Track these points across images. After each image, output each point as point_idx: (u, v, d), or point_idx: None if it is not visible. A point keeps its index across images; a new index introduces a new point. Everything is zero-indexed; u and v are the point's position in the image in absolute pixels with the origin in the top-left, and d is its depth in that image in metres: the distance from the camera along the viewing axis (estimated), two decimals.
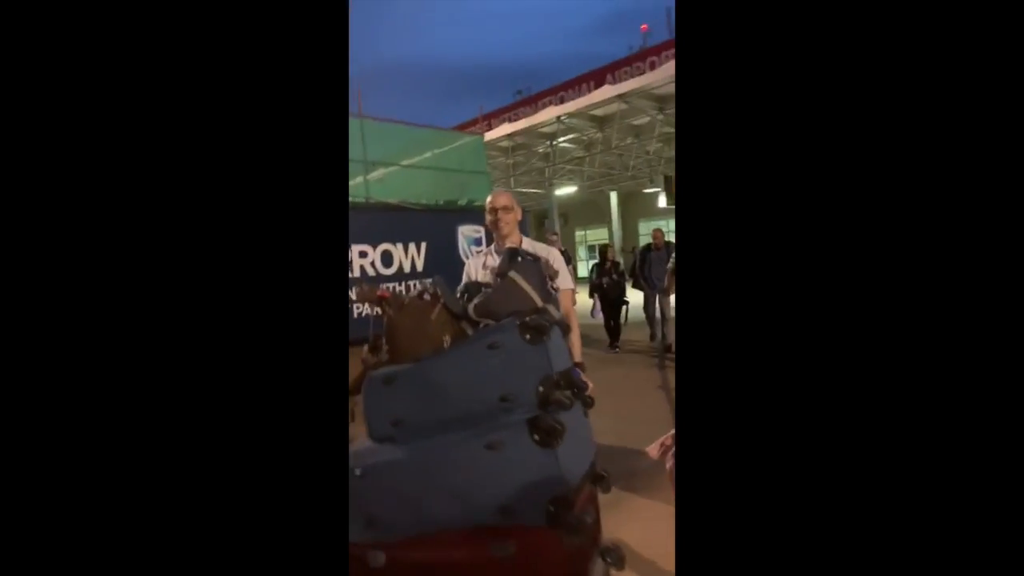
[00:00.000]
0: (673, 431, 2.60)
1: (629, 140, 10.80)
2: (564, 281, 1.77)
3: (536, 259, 1.46)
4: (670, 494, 2.50)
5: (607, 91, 9.12)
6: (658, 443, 2.64)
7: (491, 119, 11.65)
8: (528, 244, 1.87)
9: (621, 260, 6.93)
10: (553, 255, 1.80)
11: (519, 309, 1.30)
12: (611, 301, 6.13)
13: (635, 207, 17.79)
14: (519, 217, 1.90)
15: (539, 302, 1.35)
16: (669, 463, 2.52)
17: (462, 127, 11.95)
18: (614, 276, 6.15)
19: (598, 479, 1.31)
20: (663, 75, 8.43)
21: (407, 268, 4.80)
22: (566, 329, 1.38)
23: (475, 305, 1.34)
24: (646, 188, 15.32)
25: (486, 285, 1.44)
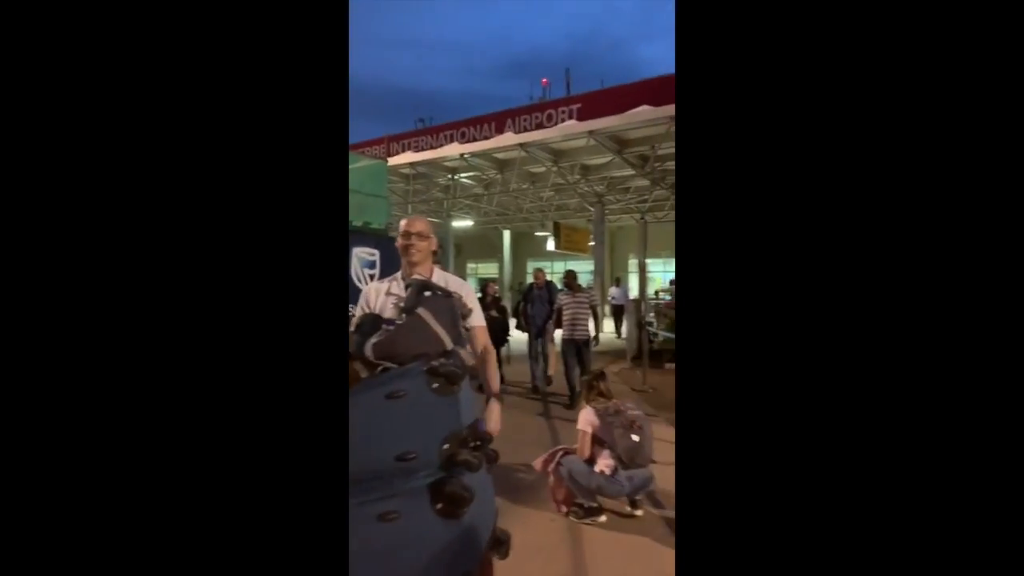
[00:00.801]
0: (556, 448, 2.69)
1: (525, 185, 11.54)
2: (477, 317, 1.69)
3: (448, 295, 1.32)
4: (551, 503, 2.62)
5: (510, 138, 9.75)
6: (541, 459, 2.69)
7: (390, 142, 11.73)
8: (440, 276, 1.70)
9: (507, 298, 6.68)
10: (466, 290, 1.68)
11: (426, 352, 1.14)
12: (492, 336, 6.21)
13: (526, 247, 18.70)
14: (434, 247, 1.73)
15: (449, 344, 1.19)
16: (551, 477, 2.57)
17: (361, 145, 11.83)
18: (493, 312, 5.78)
19: (497, 544, 1.15)
20: (560, 132, 9.25)
21: None
22: (476, 377, 1.23)
23: (374, 344, 1.15)
24: (537, 232, 16.28)
25: (388, 321, 1.26)
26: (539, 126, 9.77)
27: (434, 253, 1.73)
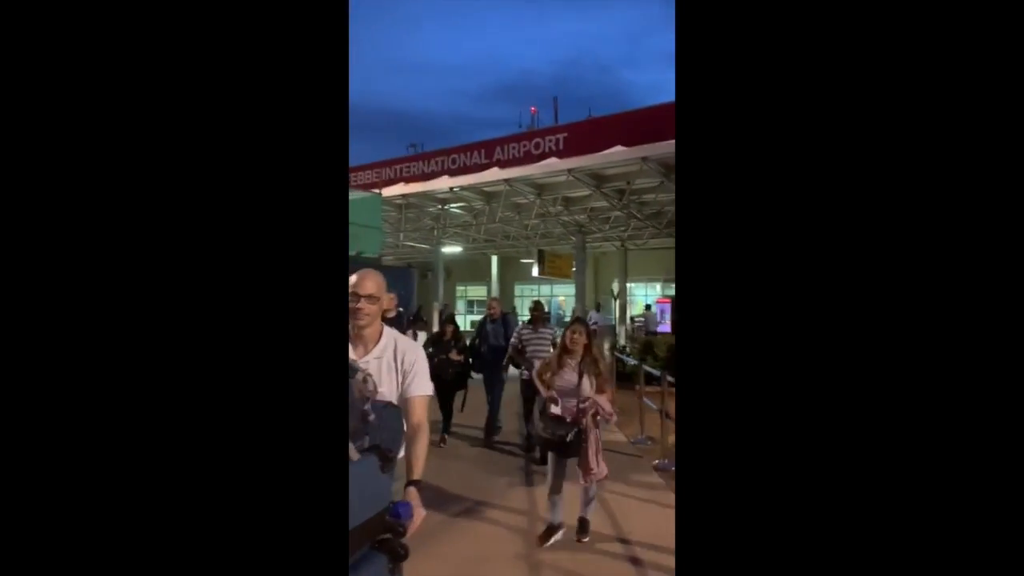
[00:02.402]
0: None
1: (511, 214, 12.22)
2: (419, 386, 1.54)
3: (353, 372, 1.18)
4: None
5: (496, 173, 10.44)
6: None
7: (383, 168, 12.35)
8: (390, 339, 1.58)
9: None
10: (414, 354, 1.58)
11: None
12: (444, 382, 4.74)
13: (513, 271, 19.33)
14: (387, 307, 1.56)
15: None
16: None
17: (354, 170, 12.41)
18: (451, 354, 4.85)
19: None
20: (542, 169, 9.97)
21: None
22: (386, 460, 1.15)
23: None
24: (523, 258, 16.97)
25: None
26: (527, 154, 10.43)
27: (386, 311, 1.55)
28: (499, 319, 5.04)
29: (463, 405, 4.99)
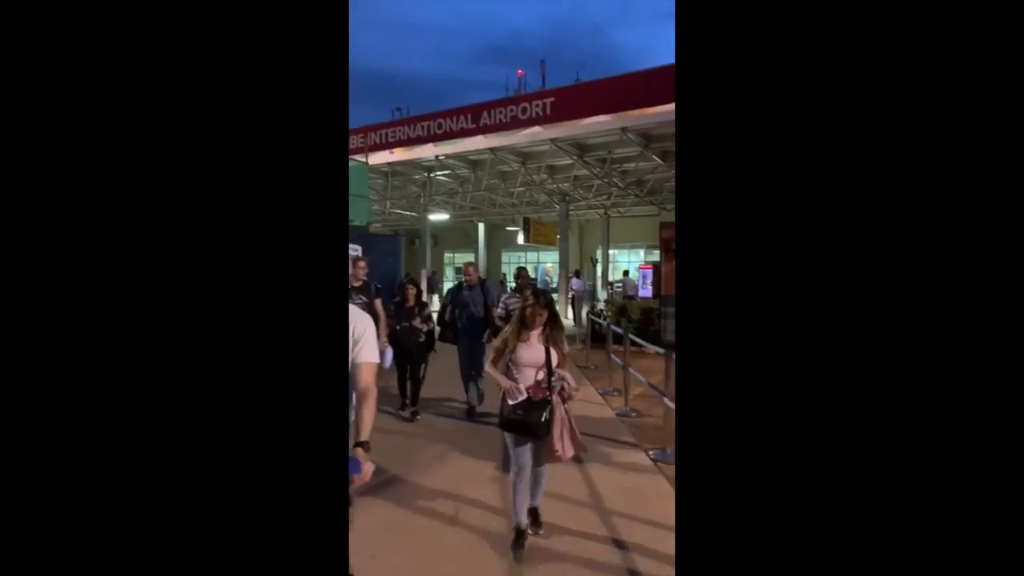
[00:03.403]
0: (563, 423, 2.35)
1: (496, 181, 12.45)
2: (367, 354, 1.66)
3: None
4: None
5: (481, 141, 10.61)
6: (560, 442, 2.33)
7: (368, 132, 12.38)
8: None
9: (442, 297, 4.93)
10: (361, 326, 1.68)
11: None
12: (407, 351, 4.53)
13: (500, 238, 19.60)
14: (359, 274, 1.63)
15: None
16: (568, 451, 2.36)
17: None
18: (413, 322, 4.54)
19: None
20: (526, 138, 10.17)
21: None
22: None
23: None
24: (509, 226, 17.25)
25: None
26: (514, 119, 10.51)
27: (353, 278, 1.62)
28: (476, 286, 4.71)
29: (424, 374, 4.67)
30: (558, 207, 12.99)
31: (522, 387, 2.40)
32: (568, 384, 2.45)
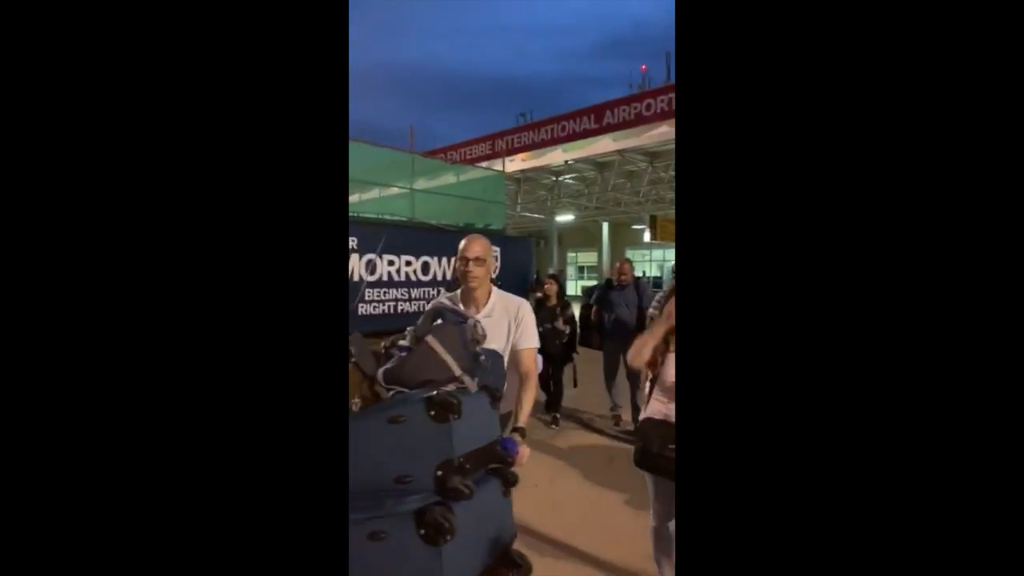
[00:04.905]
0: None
1: (623, 181, 12.63)
2: (528, 339, 1.67)
3: (462, 320, 1.32)
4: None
5: (609, 145, 10.91)
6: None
7: (495, 140, 13.10)
8: (498, 299, 1.73)
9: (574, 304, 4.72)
10: (522, 312, 1.71)
11: (434, 378, 1.21)
12: (551, 355, 4.14)
13: (623, 237, 19.58)
14: (491, 269, 1.71)
15: (456, 371, 1.23)
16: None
17: (466, 144, 13.44)
18: (556, 324, 4.24)
19: (511, 566, 1.18)
20: (657, 138, 10.24)
21: (439, 277, 5.89)
22: (494, 397, 1.27)
23: (385, 371, 1.24)
24: (634, 225, 17.22)
25: (401, 348, 1.31)
26: (638, 116, 10.56)
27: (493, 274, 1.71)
28: (630, 284, 4.25)
29: (575, 381, 4.39)
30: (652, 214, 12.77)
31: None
32: None
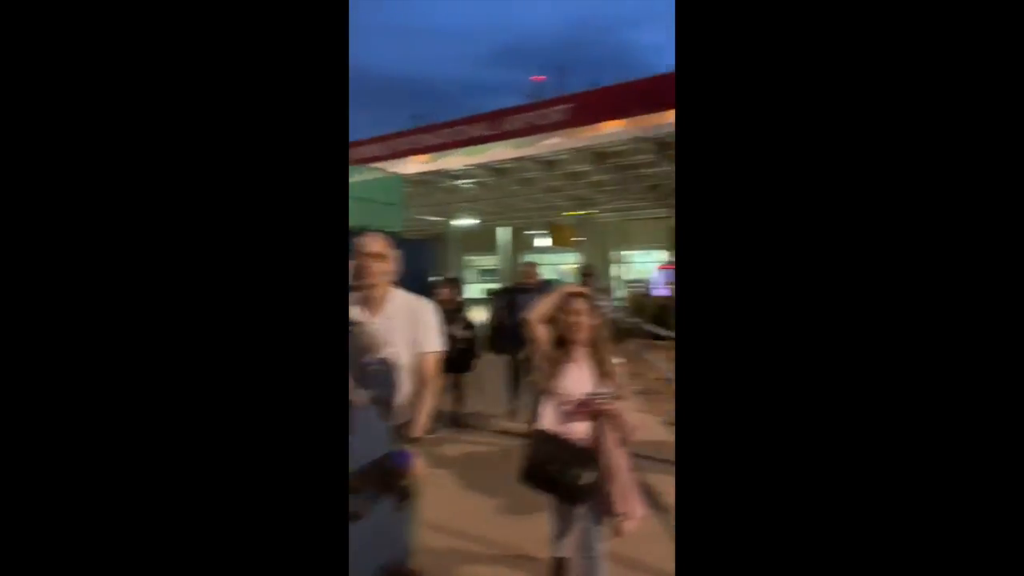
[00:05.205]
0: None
1: (518, 187, 13.09)
2: (430, 342, 1.59)
3: (353, 326, 1.27)
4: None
5: (506, 152, 11.25)
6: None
7: (388, 141, 12.88)
8: (400, 300, 1.63)
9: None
10: (425, 313, 1.62)
11: None
12: (450, 360, 3.88)
13: (522, 241, 20.20)
14: (391, 269, 1.61)
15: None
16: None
17: (360, 143, 13.12)
18: (453, 328, 3.91)
19: None
20: (548, 148, 10.78)
21: None
22: (385, 408, 1.24)
23: None
24: (530, 230, 17.90)
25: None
26: (532, 125, 11.05)
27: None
28: (539, 288, 4.02)
29: (475, 388, 4.21)
30: (578, 211, 13.58)
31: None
32: (624, 424, 1.67)
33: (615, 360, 1.79)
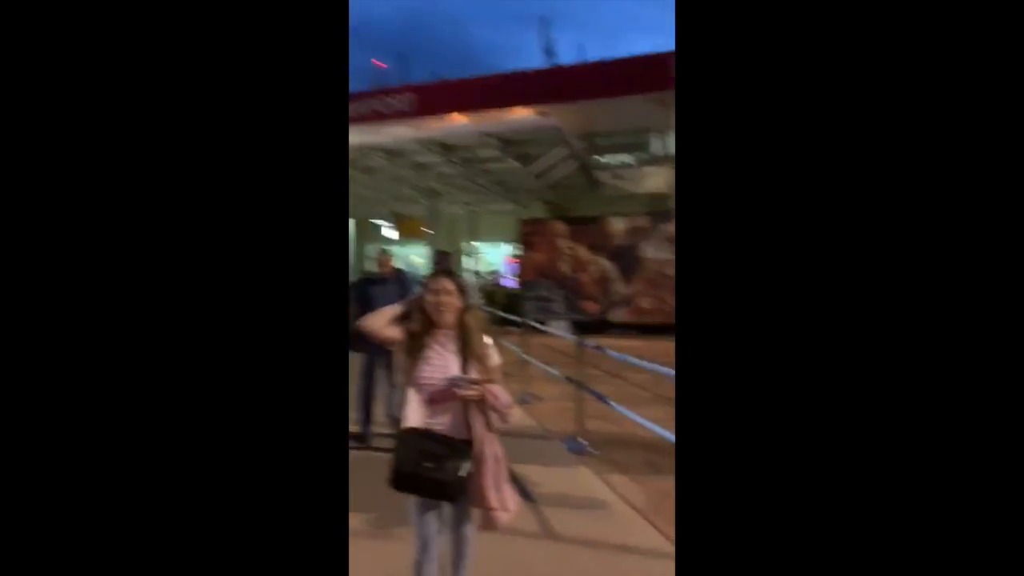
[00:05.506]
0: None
1: (363, 176, 12.56)
2: None
3: None
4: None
5: (350, 138, 10.69)
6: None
7: None
8: None
9: None
10: None
11: None
12: None
13: (365, 232, 19.43)
14: None
15: None
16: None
17: None
18: None
19: None
20: (392, 138, 10.52)
21: None
22: None
23: None
24: (375, 219, 17.31)
25: None
26: (375, 112, 10.69)
27: None
28: (393, 278, 3.76)
29: None
30: (424, 202, 13.53)
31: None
32: (498, 402, 1.58)
33: (486, 341, 1.67)
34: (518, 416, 3.92)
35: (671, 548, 2.21)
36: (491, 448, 1.59)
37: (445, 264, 4.28)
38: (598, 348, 3.75)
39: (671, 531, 2.36)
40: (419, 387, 1.60)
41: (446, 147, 10.69)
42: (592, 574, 2.05)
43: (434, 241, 13.58)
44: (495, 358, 1.67)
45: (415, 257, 19.21)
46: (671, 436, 2.69)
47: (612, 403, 3.54)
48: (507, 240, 17.83)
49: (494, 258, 17.56)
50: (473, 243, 17.23)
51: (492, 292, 10.53)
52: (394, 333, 1.66)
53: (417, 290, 3.52)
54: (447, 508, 1.62)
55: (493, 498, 1.56)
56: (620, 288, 8.86)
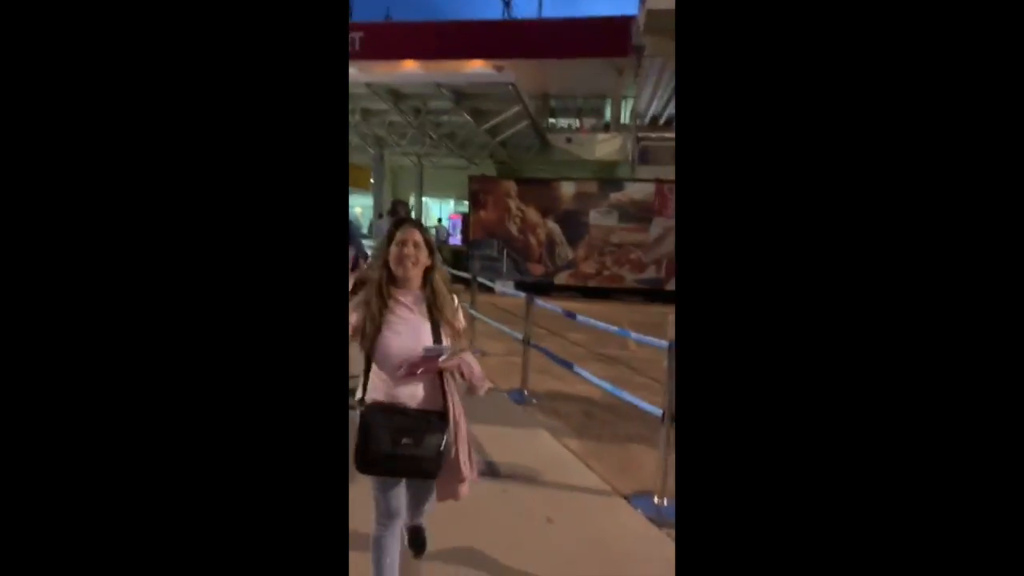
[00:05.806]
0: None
1: None
2: None
3: None
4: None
5: None
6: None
7: None
8: None
9: None
10: None
11: None
12: None
13: None
14: None
15: None
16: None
17: None
18: None
19: None
20: None
21: None
22: None
23: None
24: None
25: None
26: None
27: None
28: None
29: None
30: (371, 151, 12.97)
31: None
32: (472, 373, 1.46)
33: (456, 305, 1.53)
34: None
35: (607, 487, 2.59)
36: (463, 419, 1.49)
37: (404, 213, 4.11)
38: (570, 315, 3.62)
39: (608, 475, 2.71)
40: (387, 359, 1.41)
41: (396, 94, 10.23)
42: (534, 509, 2.35)
43: (378, 192, 13.13)
44: (463, 321, 1.55)
45: (357, 208, 18.55)
46: (611, 388, 3.06)
47: (559, 359, 3.74)
48: (455, 196, 17.57)
49: (442, 213, 17.29)
50: (415, 198, 16.83)
51: (439, 248, 10.40)
52: (351, 320, 1.42)
53: (363, 244, 3.50)
54: (414, 481, 1.52)
55: (466, 470, 1.49)
56: (566, 252, 9.06)
